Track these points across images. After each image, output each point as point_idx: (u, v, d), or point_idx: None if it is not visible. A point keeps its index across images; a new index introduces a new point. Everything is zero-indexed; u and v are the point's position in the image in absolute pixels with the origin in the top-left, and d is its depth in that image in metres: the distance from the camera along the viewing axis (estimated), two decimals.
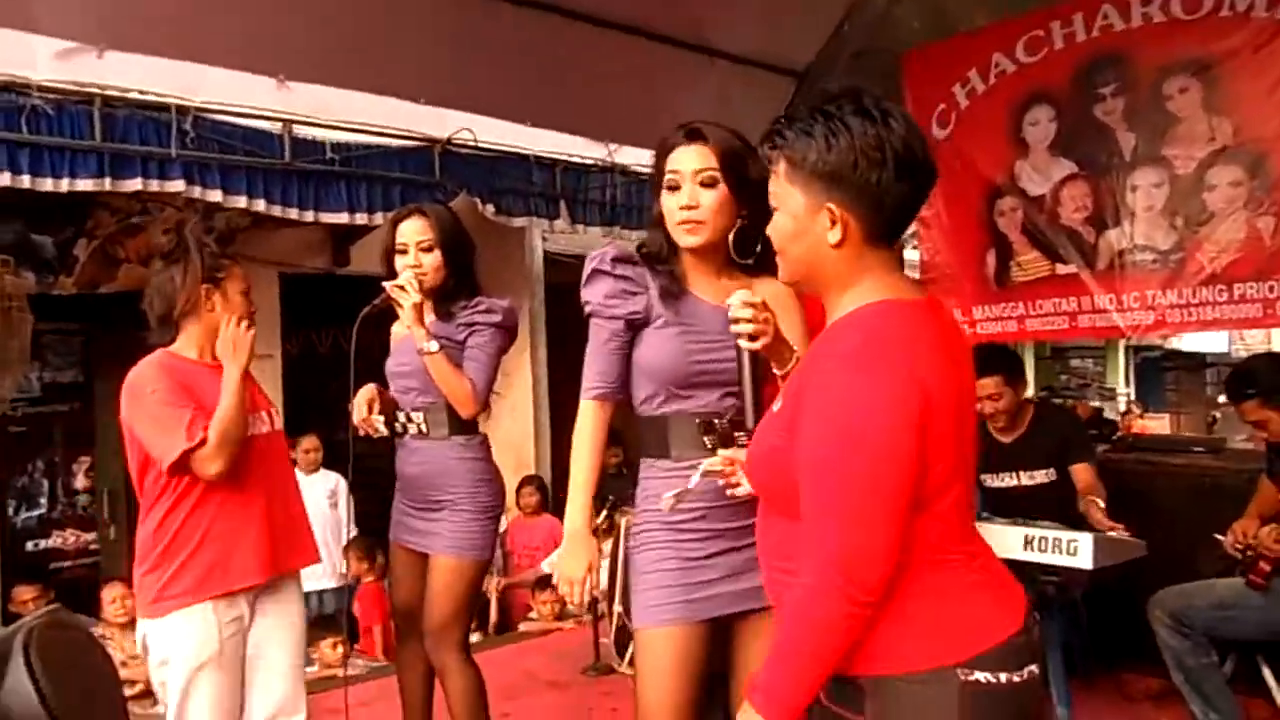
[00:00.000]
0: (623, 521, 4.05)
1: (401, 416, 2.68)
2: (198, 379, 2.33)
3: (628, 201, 4.84)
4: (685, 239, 1.86)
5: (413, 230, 2.62)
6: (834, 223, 1.27)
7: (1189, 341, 13.09)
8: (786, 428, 1.29)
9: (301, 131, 3.72)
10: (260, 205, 3.65)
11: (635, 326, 1.88)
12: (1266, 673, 2.98)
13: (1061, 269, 4.25)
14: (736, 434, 1.82)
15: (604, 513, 4.20)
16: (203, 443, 2.18)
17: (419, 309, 2.48)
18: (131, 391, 2.26)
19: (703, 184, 1.83)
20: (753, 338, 1.65)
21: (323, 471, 5.24)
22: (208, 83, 3.45)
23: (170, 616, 2.21)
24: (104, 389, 5.17)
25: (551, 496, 5.67)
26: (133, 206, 4.29)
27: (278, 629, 2.40)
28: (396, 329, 2.77)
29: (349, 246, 5.32)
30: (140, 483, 2.31)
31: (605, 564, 4.01)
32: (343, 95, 3.76)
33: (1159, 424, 11.81)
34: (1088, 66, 4.11)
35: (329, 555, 5.08)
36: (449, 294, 2.60)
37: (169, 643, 2.22)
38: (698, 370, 1.84)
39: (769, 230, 1.40)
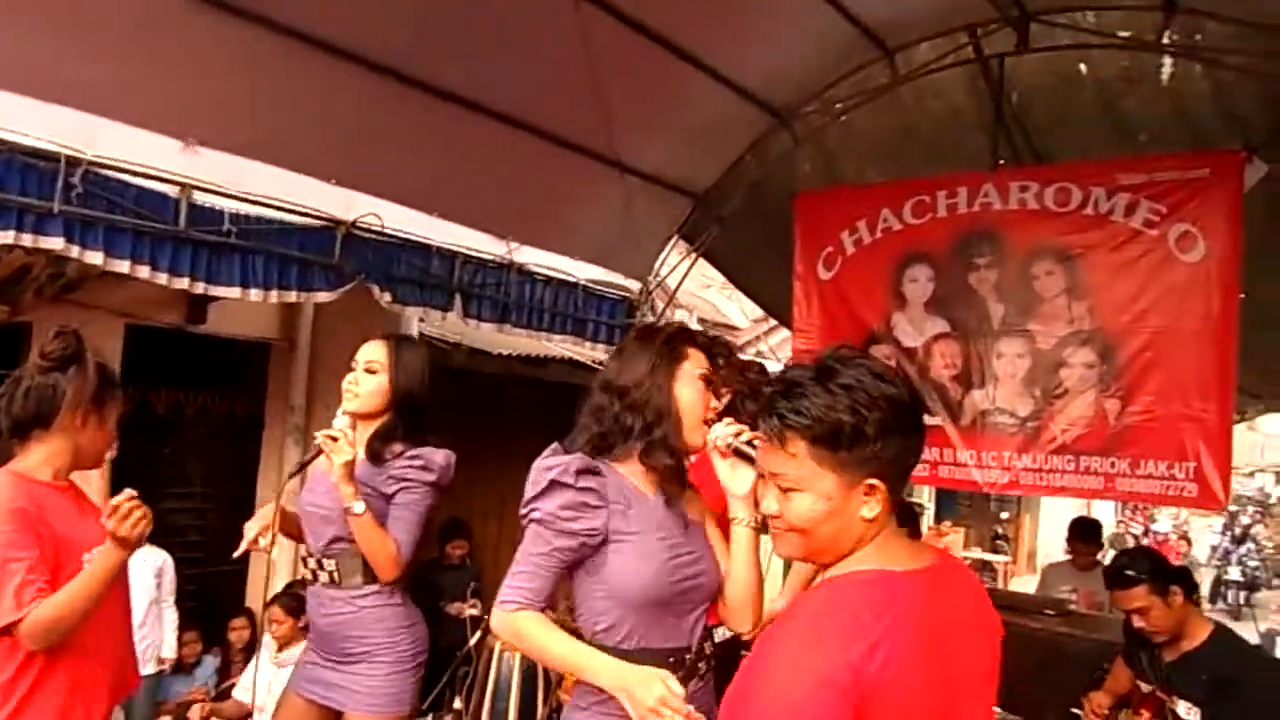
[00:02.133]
0: (496, 645, 3.90)
1: (311, 562, 2.49)
2: (51, 507, 2.00)
3: (521, 300, 4.78)
4: (699, 439, 1.80)
5: (367, 350, 2.49)
6: (874, 500, 1.23)
7: None
8: (746, 676, 1.24)
9: (200, 199, 3.45)
10: (144, 272, 3.32)
11: (588, 547, 1.70)
12: None
13: (928, 419, 4.52)
14: (700, 664, 1.76)
15: (477, 632, 4.02)
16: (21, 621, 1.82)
17: (350, 466, 2.32)
18: None
19: (715, 394, 1.85)
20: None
21: (148, 546, 4.77)
22: (105, 137, 3.16)
23: None
24: None
25: None
26: None
27: None
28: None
29: (207, 304, 4.97)
30: None
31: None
32: (250, 166, 3.54)
33: (956, 535, 12.76)
34: (966, 237, 4.47)
35: (152, 638, 4.68)
36: (386, 435, 2.45)
37: None
38: (679, 590, 1.72)
39: (790, 515, 1.27)
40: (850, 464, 1.22)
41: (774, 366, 8.04)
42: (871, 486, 1.22)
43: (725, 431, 1.76)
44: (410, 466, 2.40)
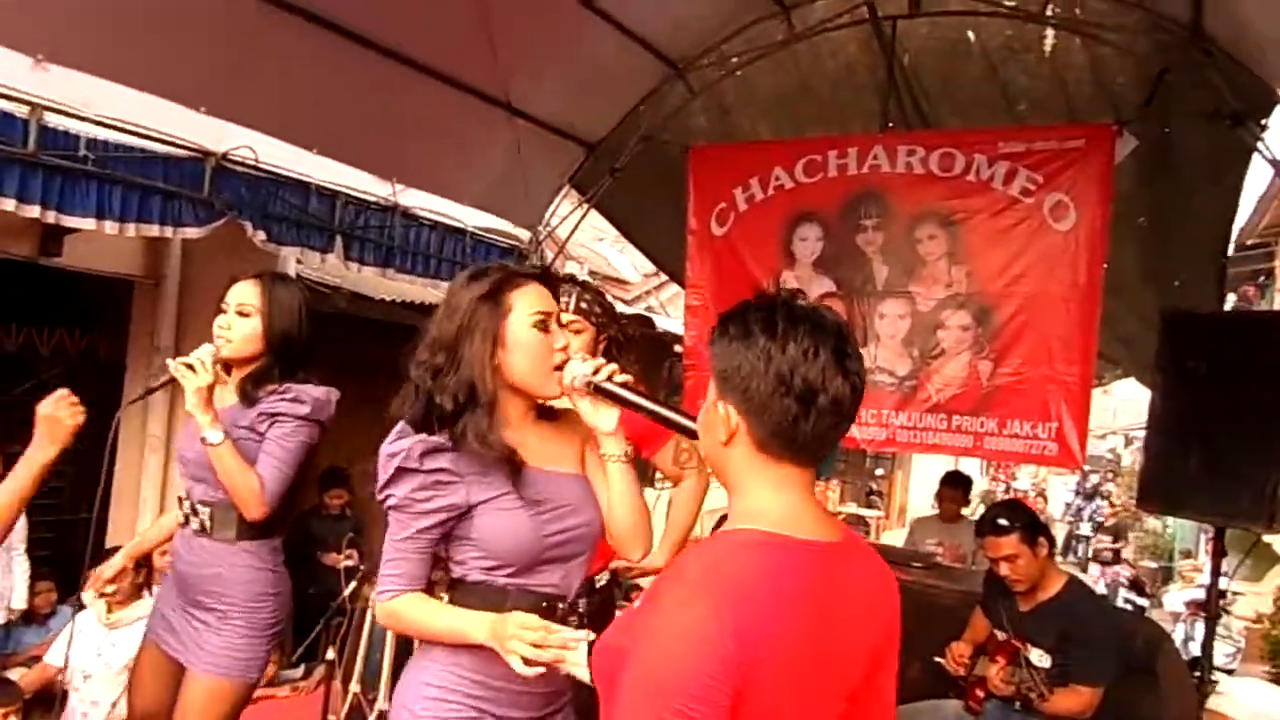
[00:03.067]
0: (371, 595, 3.82)
1: (186, 505, 2.36)
2: None
3: (405, 244, 4.62)
4: (555, 388, 1.71)
5: (239, 291, 2.34)
6: (725, 424, 1.25)
7: None
8: (630, 631, 1.23)
9: (52, 121, 3.18)
10: None
11: (452, 520, 1.65)
12: None
13: None
14: (570, 618, 1.72)
15: (350, 584, 3.93)
16: None
17: (206, 393, 2.20)
18: None
19: (560, 327, 1.77)
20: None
21: None
22: None
23: None
24: None
25: None
26: None
27: None
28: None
29: (63, 236, 4.63)
30: None
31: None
32: (107, 88, 3.28)
33: (833, 491, 13.21)
34: (855, 198, 4.54)
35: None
36: (259, 378, 2.32)
37: None
38: (552, 544, 1.68)
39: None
40: (718, 381, 1.27)
41: (663, 322, 8.07)
42: (721, 408, 1.25)
43: (582, 370, 1.69)
44: (281, 399, 2.28)
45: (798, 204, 4.66)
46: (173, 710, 2.34)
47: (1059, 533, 16.21)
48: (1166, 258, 4.79)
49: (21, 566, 4.56)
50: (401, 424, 1.68)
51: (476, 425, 1.62)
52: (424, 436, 1.64)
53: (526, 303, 1.69)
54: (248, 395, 2.29)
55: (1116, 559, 11.92)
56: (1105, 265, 4.01)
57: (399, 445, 1.64)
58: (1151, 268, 4.91)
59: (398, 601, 1.65)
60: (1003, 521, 3.09)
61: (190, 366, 2.20)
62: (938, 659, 3.24)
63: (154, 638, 2.40)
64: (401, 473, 1.63)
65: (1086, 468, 18.16)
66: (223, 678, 2.28)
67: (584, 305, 2.35)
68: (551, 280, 1.81)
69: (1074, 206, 4.04)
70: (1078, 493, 18.99)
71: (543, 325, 1.69)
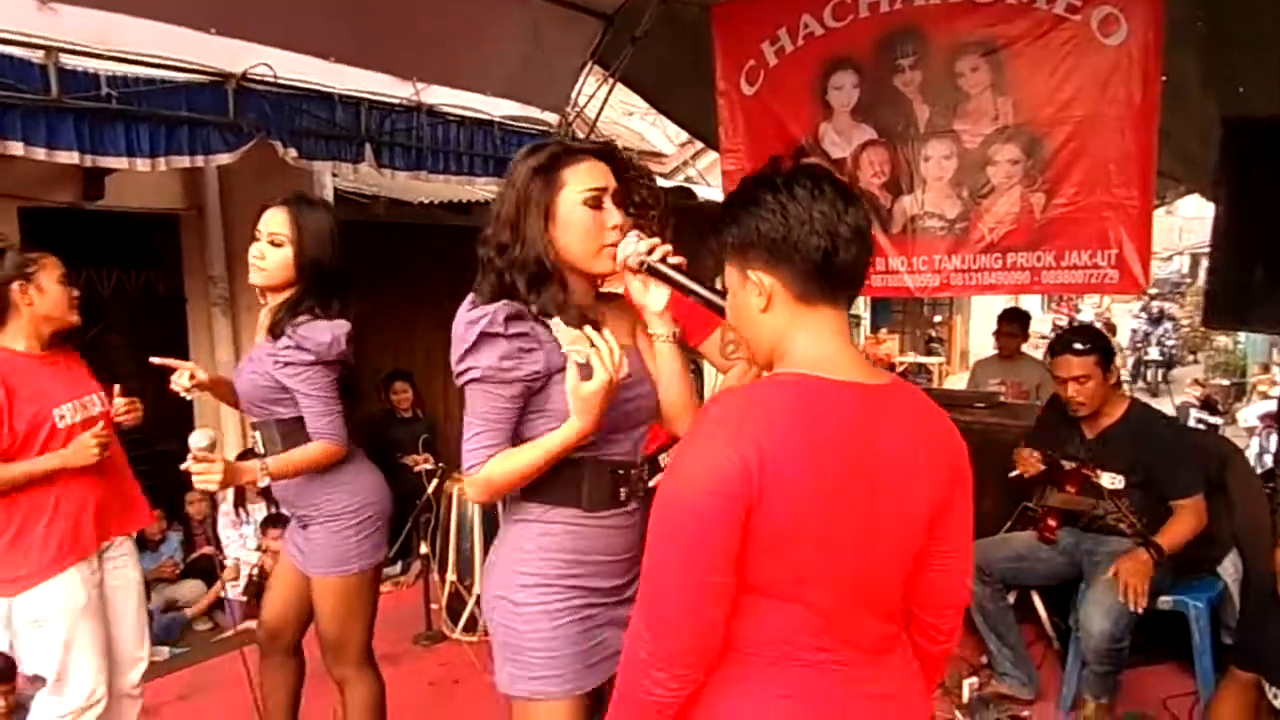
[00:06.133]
0: (454, 490, 3.96)
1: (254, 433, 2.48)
2: (25, 373, 2.51)
3: (435, 144, 4.57)
4: (607, 265, 1.69)
5: (269, 220, 2.36)
6: (758, 290, 1.28)
7: None
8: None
9: (70, 62, 3.16)
10: (18, 149, 3.07)
11: (533, 389, 1.64)
12: (1039, 606, 3.45)
13: None
14: (640, 482, 1.76)
15: (434, 480, 4.07)
16: None
17: (232, 478, 2.29)
18: None
19: (617, 204, 1.70)
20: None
21: None
22: None
23: (40, 587, 2.46)
24: None
25: None
26: None
27: (121, 581, 2.74)
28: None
29: (103, 178, 4.68)
30: None
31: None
32: (119, 22, 3.25)
33: (892, 341, 13.14)
34: (889, 37, 4.33)
35: None
36: (292, 307, 2.35)
37: (42, 607, 2.47)
38: (622, 412, 1.68)
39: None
40: (736, 259, 1.31)
41: (702, 190, 7.94)
42: (749, 277, 1.29)
43: (636, 248, 1.67)
44: (288, 348, 2.30)
45: (829, 51, 4.47)
46: (298, 619, 2.60)
47: (1127, 360, 15.99)
48: (1228, 63, 4.51)
49: None
50: (471, 295, 1.67)
51: (554, 298, 1.64)
52: (507, 301, 1.62)
53: (579, 178, 1.66)
54: (275, 328, 2.34)
55: None
56: (1163, 79, 3.80)
57: (479, 311, 1.61)
58: (1212, 75, 4.63)
59: (485, 467, 1.63)
60: (1079, 345, 3.11)
61: (200, 471, 2.22)
62: (1026, 505, 3.28)
63: (286, 552, 2.60)
64: (485, 339, 1.60)
65: (1153, 290, 17.71)
66: (340, 576, 2.43)
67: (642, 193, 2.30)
68: (614, 156, 1.75)
69: (1124, 18, 3.80)
70: (1143, 317, 18.59)
71: (595, 202, 1.66)
